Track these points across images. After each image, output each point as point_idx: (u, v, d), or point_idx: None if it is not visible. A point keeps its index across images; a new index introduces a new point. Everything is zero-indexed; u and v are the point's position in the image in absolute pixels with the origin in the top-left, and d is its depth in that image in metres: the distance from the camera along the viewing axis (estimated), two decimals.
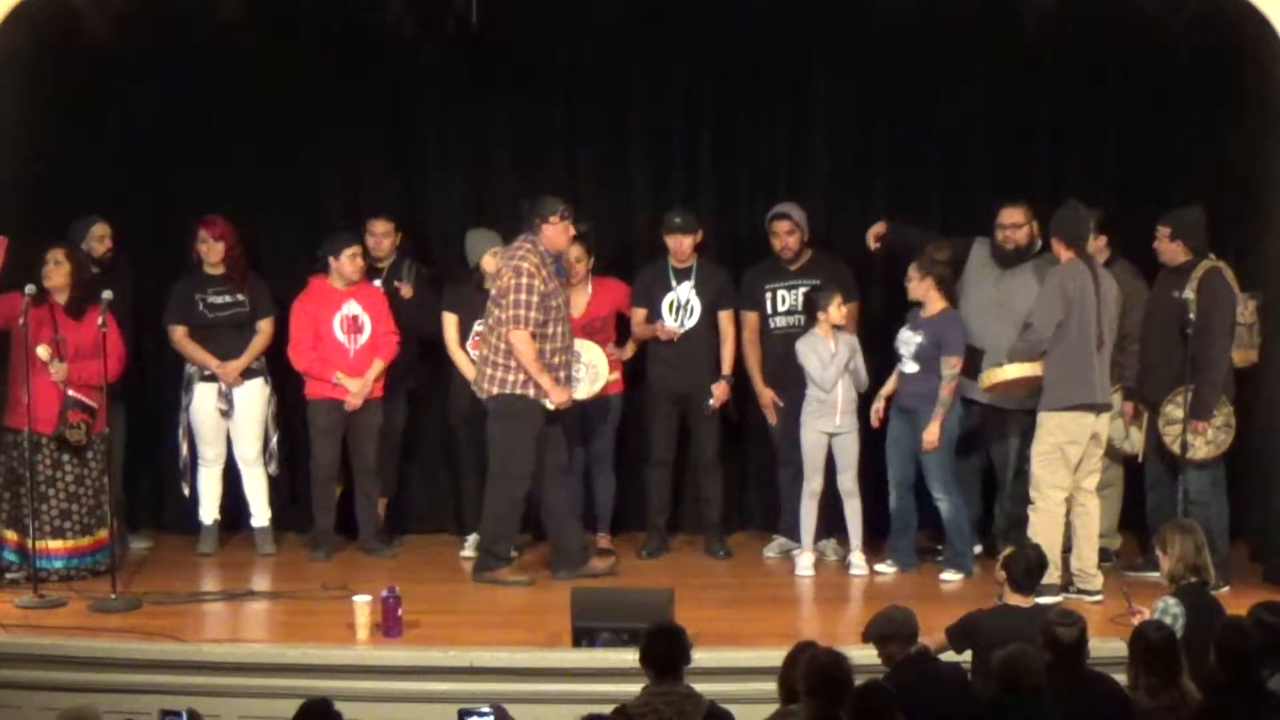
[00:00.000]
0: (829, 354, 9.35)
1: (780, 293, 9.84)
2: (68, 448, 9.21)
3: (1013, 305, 9.32)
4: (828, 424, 9.39)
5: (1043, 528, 8.68)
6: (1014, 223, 9.44)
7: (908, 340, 9.38)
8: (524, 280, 9.06)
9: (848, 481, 9.45)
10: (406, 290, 9.94)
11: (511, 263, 9.12)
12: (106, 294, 8.96)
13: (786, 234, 9.74)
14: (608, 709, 6.46)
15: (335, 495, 10.01)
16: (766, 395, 9.77)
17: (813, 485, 9.45)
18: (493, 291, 9.24)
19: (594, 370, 9.60)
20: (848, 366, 9.36)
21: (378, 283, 9.95)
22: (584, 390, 9.53)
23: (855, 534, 9.52)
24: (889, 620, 6.84)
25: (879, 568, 9.53)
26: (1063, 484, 8.75)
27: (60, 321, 9.18)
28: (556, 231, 9.18)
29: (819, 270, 9.77)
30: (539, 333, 9.10)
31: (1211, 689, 6.37)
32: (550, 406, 9.19)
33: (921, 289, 9.34)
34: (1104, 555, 9.59)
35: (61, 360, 9.13)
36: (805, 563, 9.50)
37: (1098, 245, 9.38)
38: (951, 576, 9.38)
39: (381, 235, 9.92)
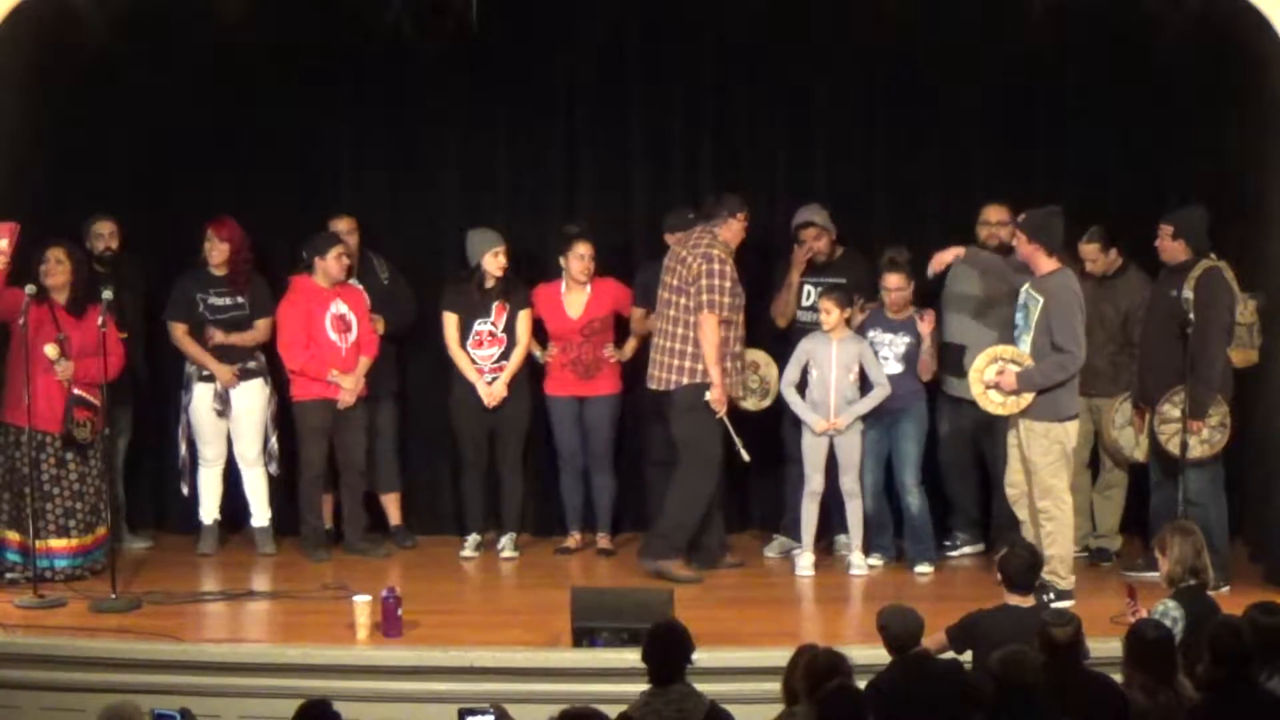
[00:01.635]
0: (827, 355, 9.35)
1: (807, 287, 9.88)
2: (72, 446, 9.22)
3: (991, 303, 9.37)
4: (825, 424, 9.39)
5: (1062, 536, 8.68)
6: (999, 220, 9.50)
7: (891, 342, 9.44)
8: (716, 266, 9.19)
9: (849, 482, 9.45)
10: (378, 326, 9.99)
11: (699, 250, 9.24)
12: (107, 293, 8.97)
13: (815, 239, 9.78)
14: (608, 709, 6.46)
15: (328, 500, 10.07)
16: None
17: (812, 485, 9.45)
18: (673, 281, 9.31)
19: (766, 385, 9.66)
20: (851, 369, 9.34)
21: (352, 280, 9.96)
22: (754, 403, 9.63)
23: (856, 535, 9.52)
24: (897, 617, 6.84)
25: (869, 560, 9.56)
26: (1069, 486, 8.76)
27: (62, 320, 9.19)
28: (739, 229, 9.36)
29: (846, 269, 9.82)
30: (726, 319, 9.22)
31: (1205, 689, 6.37)
32: (708, 398, 9.23)
33: (909, 292, 9.41)
34: (1104, 555, 9.64)
35: (67, 359, 9.13)
36: (805, 563, 9.50)
37: (1108, 259, 9.40)
38: (926, 569, 9.52)
39: (346, 234, 9.90)
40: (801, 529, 9.53)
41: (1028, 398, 8.64)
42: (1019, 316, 8.80)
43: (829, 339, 9.41)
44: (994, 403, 8.75)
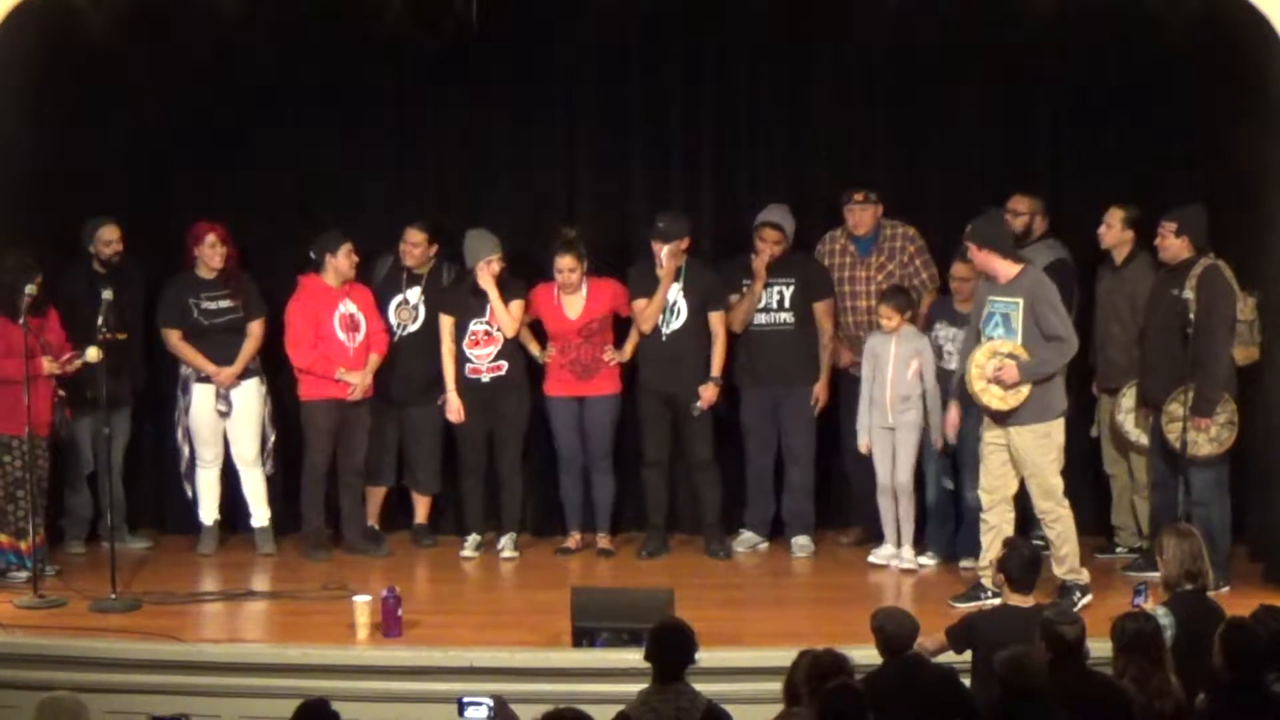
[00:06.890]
0: (886, 351, 9.39)
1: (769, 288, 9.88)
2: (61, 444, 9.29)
3: None
4: (881, 419, 9.42)
5: (1071, 533, 8.66)
6: (1013, 210, 9.52)
7: (955, 337, 9.38)
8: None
9: (901, 477, 9.43)
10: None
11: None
12: (107, 294, 8.98)
13: (774, 244, 9.78)
14: (608, 709, 6.47)
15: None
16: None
17: (879, 478, 9.47)
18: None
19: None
20: (910, 364, 9.34)
21: (417, 289, 9.95)
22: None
23: (906, 530, 9.50)
24: (891, 620, 6.84)
25: (920, 559, 9.56)
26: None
27: (32, 325, 9.13)
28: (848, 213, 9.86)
29: (794, 269, 9.84)
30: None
31: (1213, 690, 6.35)
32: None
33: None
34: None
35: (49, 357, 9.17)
36: (882, 553, 9.57)
37: (1118, 234, 9.37)
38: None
39: (413, 245, 9.90)
40: (883, 525, 9.57)
41: (1025, 391, 8.59)
42: (994, 329, 8.65)
43: (888, 335, 9.43)
44: (995, 397, 8.68)
